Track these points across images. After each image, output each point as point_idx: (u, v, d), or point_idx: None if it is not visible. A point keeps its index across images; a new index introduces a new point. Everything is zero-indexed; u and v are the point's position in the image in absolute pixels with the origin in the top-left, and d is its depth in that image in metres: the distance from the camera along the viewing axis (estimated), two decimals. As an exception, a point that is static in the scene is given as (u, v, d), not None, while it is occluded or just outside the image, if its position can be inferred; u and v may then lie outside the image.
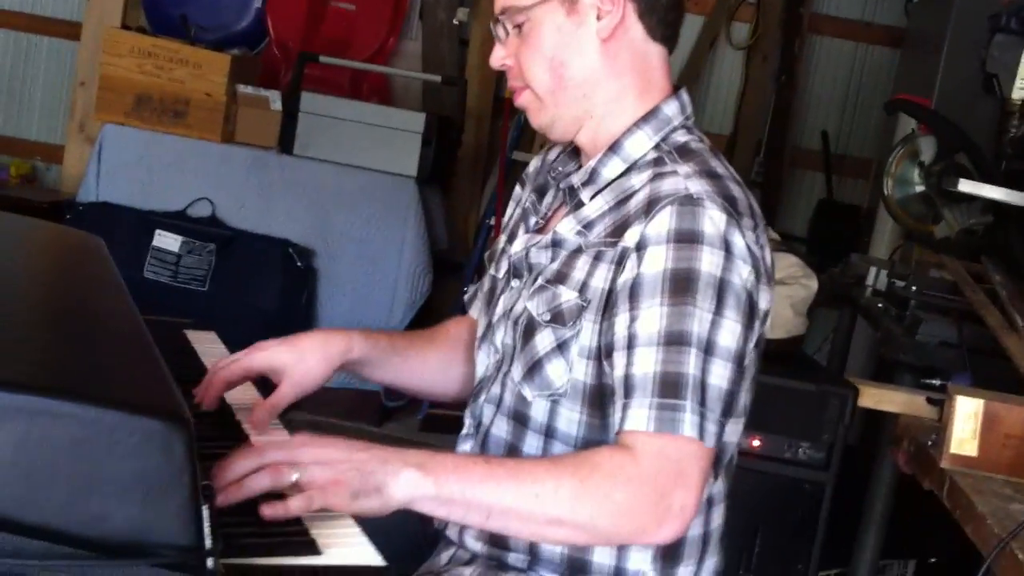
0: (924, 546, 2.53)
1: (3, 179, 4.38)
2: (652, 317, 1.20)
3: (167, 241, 3.62)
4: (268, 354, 1.43)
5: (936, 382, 2.14)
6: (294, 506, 1.10)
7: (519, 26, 1.34)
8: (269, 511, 1.09)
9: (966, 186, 2.48)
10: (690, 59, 4.41)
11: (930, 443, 1.72)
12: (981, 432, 1.63)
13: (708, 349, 1.19)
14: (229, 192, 3.71)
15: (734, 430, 1.33)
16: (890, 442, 2.00)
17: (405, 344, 1.55)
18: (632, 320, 1.21)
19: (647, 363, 1.19)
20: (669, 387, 1.17)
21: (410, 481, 1.13)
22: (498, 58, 1.37)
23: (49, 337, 1.12)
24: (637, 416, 1.18)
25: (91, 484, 0.91)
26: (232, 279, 3.61)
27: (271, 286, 3.60)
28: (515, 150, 4.01)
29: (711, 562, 1.36)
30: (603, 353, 1.26)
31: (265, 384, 1.46)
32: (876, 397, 2.05)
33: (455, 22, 4.28)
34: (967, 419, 1.65)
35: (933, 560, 2.54)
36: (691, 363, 1.18)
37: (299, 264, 3.61)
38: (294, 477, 1.11)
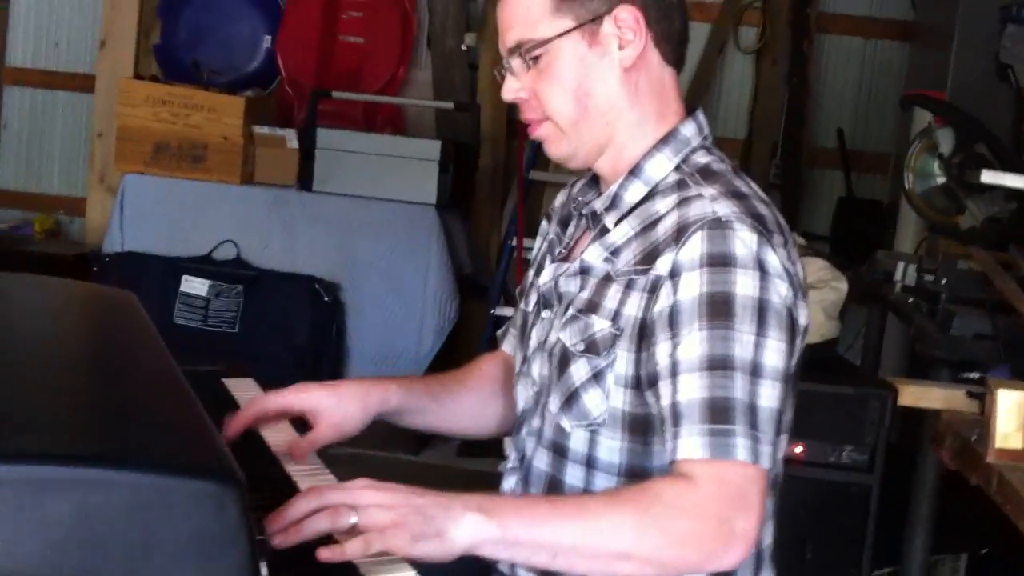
0: (975, 539, 2.51)
1: (28, 235, 4.43)
2: (693, 343, 1.20)
3: (195, 286, 3.65)
4: (309, 395, 1.43)
5: (974, 375, 2.14)
6: (351, 549, 1.09)
7: (536, 58, 1.33)
8: (327, 554, 1.09)
9: (988, 176, 2.47)
10: (699, 67, 4.42)
11: (974, 438, 1.71)
12: (1025, 425, 1.63)
13: (755, 371, 1.19)
14: (252, 232, 3.74)
15: (781, 447, 1.32)
16: (932, 439, 1.99)
17: (439, 388, 1.54)
18: (674, 348, 1.21)
19: (693, 389, 1.18)
20: (719, 413, 1.17)
21: (473, 525, 1.12)
22: (512, 91, 1.36)
23: (95, 402, 1.14)
24: (689, 444, 1.17)
25: (149, 550, 0.91)
26: (261, 319, 3.63)
27: (300, 323, 3.63)
28: (532, 169, 4.02)
29: None
30: (646, 384, 1.26)
31: (301, 426, 1.46)
32: (915, 395, 2.04)
33: (463, 48, 4.30)
34: (1010, 412, 1.64)
35: (985, 551, 2.52)
36: (738, 387, 1.17)
37: (326, 299, 3.63)
38: (353, 520, 1.10)
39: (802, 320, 1.28)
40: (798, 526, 2.15)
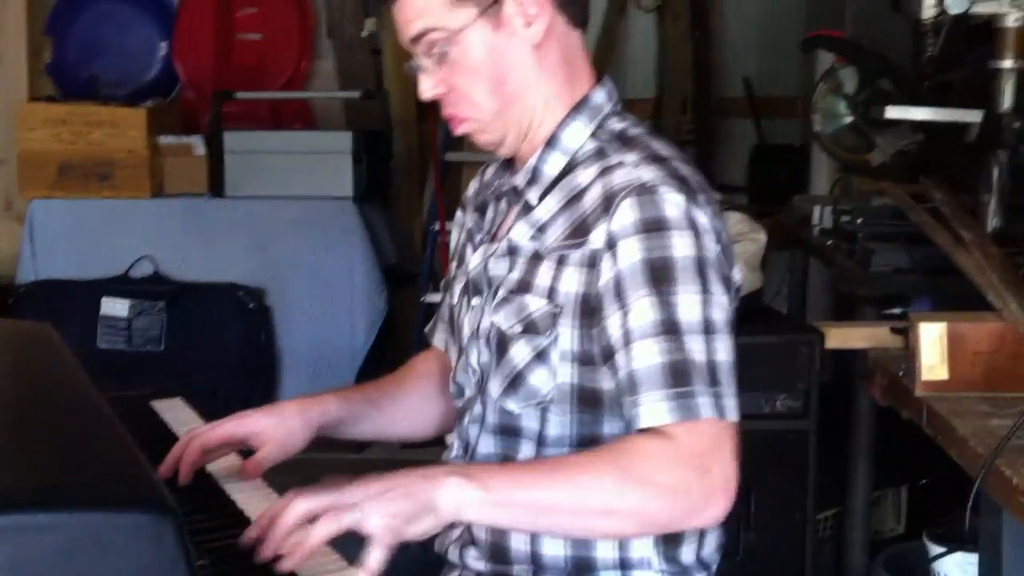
0: (913, 471, 2.57)
1: (-62, 272, 4.30)
2: (641, 310, 1.20)
3: (115, 307, 3.58)
4: (247, 420, 1.41)
5: (898, 311, 2.18)
6: (373, 563, 1.07)
7: (444, 52, 1.29)
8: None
9: (893, 111, 2.50)
10: (603, 29, 4.42)
11: (901, 373, 1.74)
12: (949, 354, 1.66)
13: (707, 329, 1.19)
14: (168, 246, 3.68)
15: None
16: (864, 377, 2.03)
17: (378, 394, 1.53)
18: (624, 318, 1.21)
19: (648, 356, 1.18)
20: (678, 375, 1.17)
21: (456, 487, 1.11)
22: (428, 88, 1.32)
23: (17, 444, 1.11)
24: (653, 411, 1.17)
25: (88, 590, 0.90)
26: (187, 333, 3.58)
27: (228, 333, 3.58)
28: (447, 151, 4.00)
29: (712, 536, 1.37)
30: (600, 358, 1.25)
31: (246, 455, 1.44)
32: (842, 337, 2.07)
33: (364, 34, 4.25)
34: (933, 344, 1.67)
35: (924, 482, 2.58)
36: (692, 348, 1.18)
37: (251, 305, 3.59)
38: (353, 518, 1.09)
39: (736, 275, 1.30)
40: (741, 478, 2.17)
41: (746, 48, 4.53)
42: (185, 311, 3.59)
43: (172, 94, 4.30)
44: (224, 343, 3.59)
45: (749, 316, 2.35)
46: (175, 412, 1.65)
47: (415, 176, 4.31)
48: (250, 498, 1.33)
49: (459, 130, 1.35)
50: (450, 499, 1.11)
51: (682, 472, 1.15)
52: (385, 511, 1.09)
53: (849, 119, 3.05)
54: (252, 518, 1.22)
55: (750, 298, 2.36)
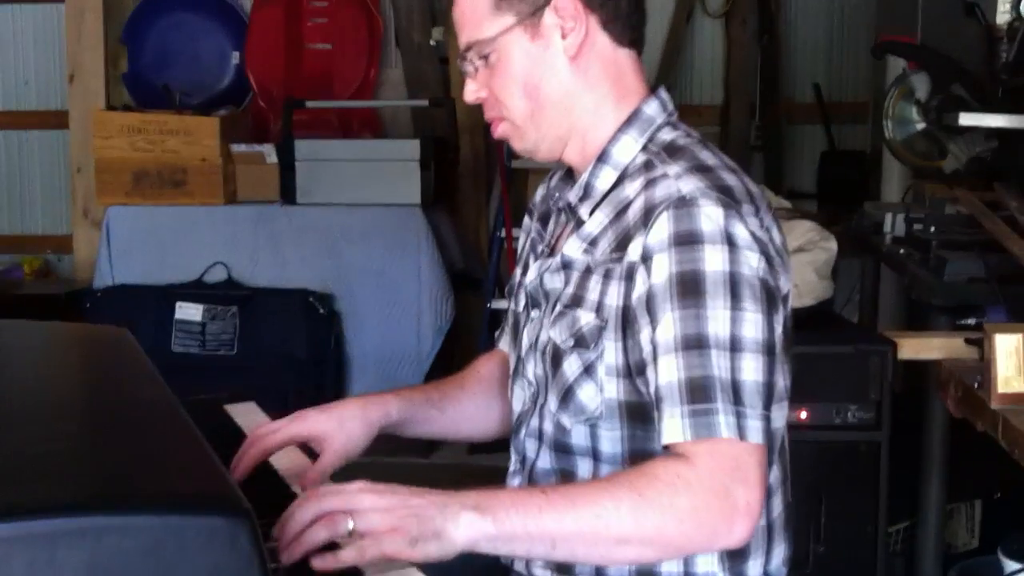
0: (988, 484, 2.52)
1: (18, 277, 4.42)
2: (668, 325, 1.20)
3: (189, 312, 3.65)
4: (309, 423, 1.43)
5: (972, 321, 2.14)
6: (345, 556, 1.08)
7: (485, 57, 1.34)
8: (320, 563, 1.08)
9: (967, 119, 2.47)
10: (669, 35, 4.41)
11: (976, 384, 1.71)
12: (1025, 366, 1.63)
13: (733, 346, 1.18)
14: (241, 252, 3.74)
15: (779, 415, 1.32)
16: (937, 388, 2.00)
17: (439, 396, 1.54)
18: (652, 332, 1.21)
19: (671, 371, 1.18)
20: (697, 392, 1.16)
21: (469, 523, 1.11)
22: (471, 92, 1.37)
23: (97, 447, 1.14)
24: (672, 427, 1.17)
25: (165, 591, 0.92)
26: (259, 338, 3.63)
27: (298, 337, 3.63)
28: (513, 159, 4.01)
29: (779, 550, 1.35)
30: (635, 371, 1.26)
31: (308, 453, 1.46)
32: (915, 347, 2.05)
33: (432, 43, 4.29)
34: (1009, 356, 1.64)
35: (998, 496, 2.53)
36: (715, 364, 1.17)
37: (321, 311, 3.63)
38: (350, 525, 1.10)
39: (782, 286, 1.28)
40: (811, 491, 2.15)
41: (815, 53, 4.49)
42: (257, 315, 3.65)
43: (244, 103, 4.37)
44: (294, 347, 3.63)
45: (820, 325, 2.35)
46: (248, 416, 1.67)
47: (481, 183, 4.33)
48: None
49: (496, 133, 1.39)
50: (461, 533, 1.11)
51: (702, 495, 1.13)
52: (387, 524, 1.10)
53: (921, 125, 3.01)
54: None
55: (821, 307, 2.34)
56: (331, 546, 1.10)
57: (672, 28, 4.41)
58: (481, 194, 4.33)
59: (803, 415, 2.12)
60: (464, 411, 1.55)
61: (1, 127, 4.64)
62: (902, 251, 2.58)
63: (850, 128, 4.41)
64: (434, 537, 1.10)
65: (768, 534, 1.34)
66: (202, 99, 4.17)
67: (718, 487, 1.14)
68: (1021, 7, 2.20)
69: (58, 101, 4.52)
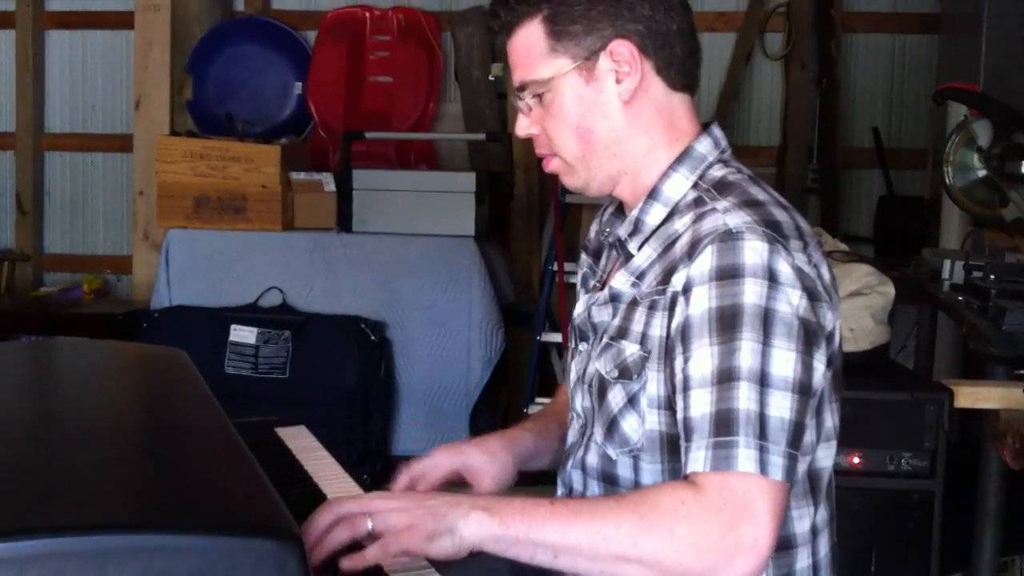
0: (1045, 538, 2.46)
1: (78, 296, 4.50)
2: (702, 358, 1.20)
3: (243, 335, 3.69)
4: (464, 457, 1.49)
5: (1031, 371, 2.10)
6: (370, 554, 1.16)
7: (539, 96, 1.36)
8: (348, 563, 1.15)
9: (1029, 166, 2.43)
10: (727, 76, 4.41)
11: (1035, 437, 1.68)
12: (1085, 419, 1.60)
13: (762, 381, 1.18)
14: (296, 277, 3.78)
15: (827, 455, 1.32)
16: (994, 438, 1.96)
17: (556, 426, 1.57)
18: (685, 363, 1.22)
19: (701, 404, 1.19)
20: (722, 425, 1.17)
21: (478, 522, 1.17)
22: (523, 128, 1.40)
23: (150, 466, 1.15)
24: (695, 458, 1.18)
25: (214, 612, 0.93)
26: (310, 362, 3.66)
27: (349, 363, 3.65)
28: (567, 193, 4.02)
29: None
30: (670, 401, 1.27)
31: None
32: (972, 396, 2.01)
33: (491, 78, 4.32)
34: (1068, 408, 1.61)
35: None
36: (742, 397, 1.17)
37: (373, 338, 3.65)
38: (369, 525, 1.17)
39: (826, 324, 1.26)
40: (862, 537, 2.12)
41: (874, 97, 4.46)
42: (310, 341, 3.68)
43: (305, 133, 4.43)
44: (345, 373, 3.66)
45: (875, 371, 2.32)
46: (299, 440, 1.69)
47: (534, 217, 4.35)
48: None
49: (548, 169, 1.42)
50: (471, 531, 1.17)
51: (704, 528, 1.13)
52: (403, 523, 1.16)
53: (982, 172, 2.98)
54: None
55: (876, 352, 2.31)
56: (354, 548, 1.16)
57: (731, 69, 4.41)
58: (534, 228, 4.34)
59: (856, 460, 2.10)
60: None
61: (68, 149, 4.75)
62: (960, 299, 2.54)
63: (909, 174, 4.37)
64: (448, 533, 1.16)
65: (814, 574, 1.32)
66: (264, 129, 4.24)
67: (723, 522, 1.13)
68: (1087, 56, 2.17)
69: (124, 126, 4.62)
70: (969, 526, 2.22)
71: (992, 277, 2.42)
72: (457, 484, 1.49)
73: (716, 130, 1.39)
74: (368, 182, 3.80)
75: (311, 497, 1.45)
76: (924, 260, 3.00)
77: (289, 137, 4.15)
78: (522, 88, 1.37)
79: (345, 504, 1.19)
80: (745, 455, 1.15)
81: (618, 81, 1.34)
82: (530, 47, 1.35)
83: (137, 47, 4.33)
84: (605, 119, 1.35)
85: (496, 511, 1.17)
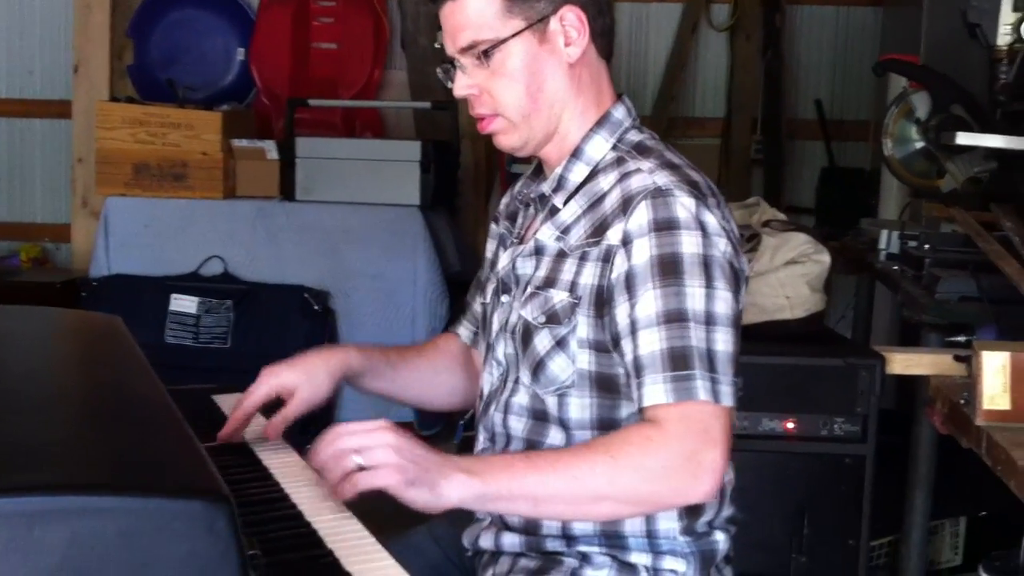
0: (972, 502, 2.52)
1: (15, 265, 4.43)
2: (649, 301, 1.31)
3: (184, 304, 3.66)
4: (280, 378, 1.55)
5: (962, 339, 2.14)
6: (341, 491, 1.22)
7: (486, 57, 1.40)
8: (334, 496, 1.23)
9: (965, 138, 2.47)
10: (674, 47, 4.42)
11: (963, 401, 1.72)
12: (1012, 384, 1.64)
13: (708, 320, 1.30)
14: (238, 247, 3.74)
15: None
16: (925, 404, 2.00)
17: (396, 357, 1.65)
18: (632, 308, 1.32)
19: (652, 342, 1.29)
20: (678, 360, 1.28)
21: (461, 484, 1.23)
22: (463, 86, 1.44)
23: (82, 430, 1.14)
24: (654, 391, 1.28)
25: (142, 573, 0.92)
26: (253, 332, 3.64)
27: (292, 333, 3.63)
28: (514, 163, 4.02)
29: (727, 511, 1.47)
30: (612, 345, 1.36)
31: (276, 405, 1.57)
32: (904, 363, 2.05)
33: (437, 46, 4.29)
34: (996, 374, 1.65)
35: (983, 514, 2.53)
36: (694, 336, 1.29)
37: (316, 308, 3.64)
38: (359, 461, 1.22)
39: (746, 269, 1.41)
40: (794, 500, 2.15)
41: (818, 70, 4.51)
42: (252, 310, 3.66)
43: (248, 99, 4.38)
44: (288, 343, 3.62)
45: (811, 338, 2.35)
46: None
47: (481, 187, 4.34)
48: (271, 459, 1.47)
49: (486, 130, 1.46)
50: (453, 492, 1.23)
51: (669, 456, 1.25)
52: (391, 461, 1.21)
53: (920, 144, 3.02)
54: (281, 482, 1.38)
55: (812, 320, 2.34)
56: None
57: (678, 40, 4.43)
58: (480, 198, 4.34)
59: (790, 425, 2.13)
60: (416, 375, 1.66)
61: (5, 115, 4.66)
62: (896, 268, 2.59)
63: (851, 146, 4.43)
64: (428, 487, 1.22)
65: (720, 496, 1.45)
66: (206, 95, 4.19)
67: (686, 448, 1.25)
68: (1022, 29, 2.21)
69: (62, 91, 4.53)
70: (900, 490, 2.27)
71: (927, 246, 2.46)
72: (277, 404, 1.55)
73: (627, 100, 1.50)
74: (312, 150, 3.77)
75: (248, 463, 1.45)
76: (862, 230, 3.05)
77: (232, 104, 4.11)
78: (470, 47, 1.41)
79: (343, 439, 1.24)
80: (703, 386, 1.27)
81: (567, 44, 1.42)
82: (482, 9, 1.40)
83: (77, 9, 4.24)
84: (552, 79, 1.42)
85: (477, 471, 1.24)
